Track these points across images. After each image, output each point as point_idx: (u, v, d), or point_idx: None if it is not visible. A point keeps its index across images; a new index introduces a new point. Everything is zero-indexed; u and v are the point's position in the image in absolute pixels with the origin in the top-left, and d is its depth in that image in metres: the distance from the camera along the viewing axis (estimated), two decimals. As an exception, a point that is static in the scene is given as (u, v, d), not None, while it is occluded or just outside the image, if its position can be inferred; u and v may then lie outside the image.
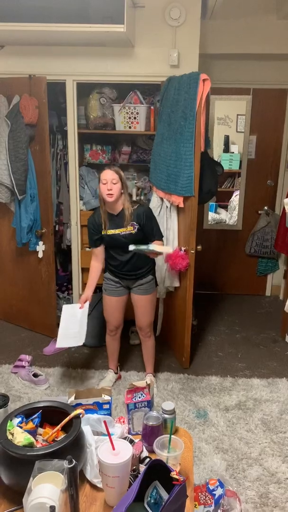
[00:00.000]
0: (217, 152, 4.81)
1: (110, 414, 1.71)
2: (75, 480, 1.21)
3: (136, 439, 1.61)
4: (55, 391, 3.20)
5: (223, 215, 5.03)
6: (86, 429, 1.54)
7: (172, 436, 1.50)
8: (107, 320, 3.20)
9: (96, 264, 3.07)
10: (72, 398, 1.71)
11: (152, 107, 3.82)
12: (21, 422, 1.48)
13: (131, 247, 2.68)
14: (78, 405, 1.67)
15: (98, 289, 3.35)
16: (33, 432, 1.46)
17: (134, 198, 3.96)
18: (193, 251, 3.23)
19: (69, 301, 4.42)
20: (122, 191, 2.81)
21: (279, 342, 3.97)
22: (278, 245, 4.21)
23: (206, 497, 2.08)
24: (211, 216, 4.93)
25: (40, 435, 1.51)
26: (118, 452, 1.36)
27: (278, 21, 3.93)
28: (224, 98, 4.55)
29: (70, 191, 3.99)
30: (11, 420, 1.47)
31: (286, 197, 3.76)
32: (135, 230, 2.85)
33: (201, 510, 2.03)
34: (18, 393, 3.17)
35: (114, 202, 2.81)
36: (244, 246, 4.89)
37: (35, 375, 3.25)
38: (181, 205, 3.23)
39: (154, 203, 3.51)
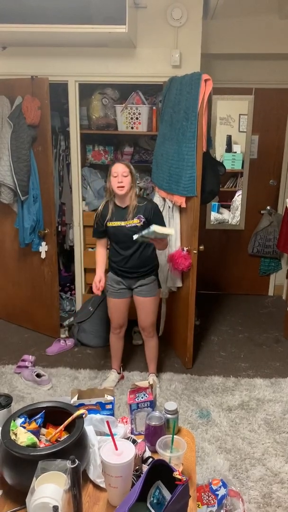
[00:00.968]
0: (219, 152, 4.81)
1: (113, 414, 1.71)
2: (78, 480, 1.21)
3: (139, 439, 1.61)
4: (58, 391, 3.20)
5: (225, 215, 5.03)
6: (89, 429, 1.54)
7: (174, 436, 1.50)
8: (111, 319, 3.20)
9: (101, 249, 3.11)
10: (75, 398, 1.71)
11: (154, 108, 3.82)
12: (24, 422, 1.49)
13: (135, 237, 2.73)
14: (81, 405, 1.67)
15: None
16: (36, 432, 1.47)
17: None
18: (195, 251, 3.23)
19: (72, 301, 4.43)
20: (131, 184, 2.85)
21: (282, 342, 3.96)
22: (281, 245, 4.20)
23: (209, 497, 2.08)
24: (214, 216, 4.93)
25: (43, 435, 1.51)
26: (121, 452, 1.37)
27: (280, 21, 3.93)
28: (226, 98, 4.55)
29: (73, 192, 4.00)
30: (14, 420, 1.47)
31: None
32: (141, 223, 2.86)
33: (204, 510, 2.03)
34: (21, 393, 3.18)
35: (124, 195, 2.84)
36: (246, 246, 4.89)
37: (38, 376, 3.26)
38: (184, 205, 3.23)
39: (157, 203, 3.51)
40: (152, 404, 1.71)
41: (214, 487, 2.11)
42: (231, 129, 4.81)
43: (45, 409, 1.55)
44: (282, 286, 4.95)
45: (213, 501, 2.06)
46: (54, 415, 1.55)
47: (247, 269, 4.96)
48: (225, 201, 4.99)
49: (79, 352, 3.76)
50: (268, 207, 4.74)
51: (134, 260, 2.95)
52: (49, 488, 1.23)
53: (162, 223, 2.97)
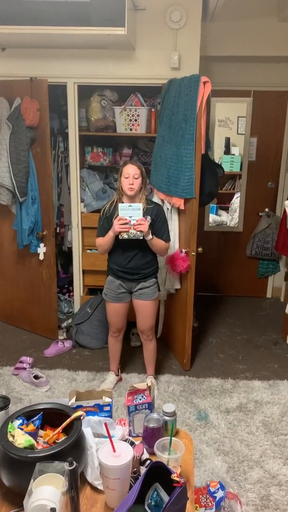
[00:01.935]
0: (217, 154, 4.82)
1: (111, 416, 1.71)
2: (76, 482, 1.21)
3: (137, 441, 1.61)
4: (56, 393, 3.19)
5: (224, 217, 5.04)
6: (86, 431, 1.54)
7: (172, 438, 1.50)
8: (110, 322, 3.20)
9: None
10: (73, 400, 1.71)
11: (153, 110, 3.83)
12: (22, 424, 1.48)
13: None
14: (79, 407, 1.67)
15: (99, 291, 3.35)
16: (34, 434, 1.47)
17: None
18: (194, 253, 3.23)
19: (70, 303, 4.42)
20: (142, 185, 2.86)
21: (280, 344, 3.96)
22: (279, 247, 4.21)
23: (207, 499, 2.08)
24: (212, 218, 4.93)
25: (41, 437, 1.51)
26: (119, 454, 1.36)
27: (278, 24, 3.94)
28: (225, 100, 4.56)
29: (71, 193, 4.00)
30: (12, 422, 1.47)
31: (287, 199, 3.76)
32: (148, 223, 2.86)
33: (202, 513, 2.03)
34: (19, 395, 3.17)
35: (133, 195, 2.86)
36: (245, 248, 4.89)
37: (36, 377, 3.26)
38: (182, 207, 3.23)
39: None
40: (150, 406, 1.71)
41: (212, 489, 2.11)
42: (230, 131, 4.82)
43: (43, 410, 1.55)
44: (280, 288, 4.95)
45: (211, 503, 2.06)
46: (52, 417, 1.55)
47: (245, 271, 4.97)
48: (224, 203, 5.00)
49: (77, 353, 3.76)
50: (267, 209, 4.75)
51: (137, 260, 2.95)
52: (47, 490, 1.23)
53: (166, 228, 3.00)
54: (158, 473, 1.28)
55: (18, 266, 3.97)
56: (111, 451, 1.38)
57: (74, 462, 1.20)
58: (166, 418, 1.63)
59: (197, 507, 2.04)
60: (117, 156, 4.19)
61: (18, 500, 1.31)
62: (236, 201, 4.89)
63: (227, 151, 4.85)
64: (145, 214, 2.87)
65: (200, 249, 3.28)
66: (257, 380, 3.38)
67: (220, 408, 3.05)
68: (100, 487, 1.41)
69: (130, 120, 3.79)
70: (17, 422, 1.48)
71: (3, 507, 1.35)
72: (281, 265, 4.91)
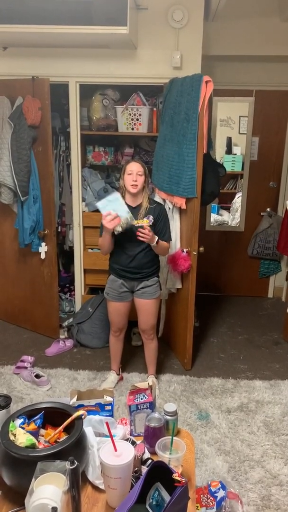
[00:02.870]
0: (219, 154, 4.81)
1: (112, 416, 1.71)
2: (77, 481, 1.21)
3: (138, 441, 1.61)
4: (57, 392, 3.20)
5: (225, 216, 5.03)
6: (88, 430, 1.54)
7: (174, 437, 1.50)
8: (111, 322, 3.20)
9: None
10: (74, 399, 1.71)
11: (154, 109, 3.82)
12: (23, 423, 1.48)
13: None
14: (80, 406, 1.67)
15: (100, 290, 3.35)
16: (35, 433, 1.46)
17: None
18: (195, 253, 3.23)
19: (71, 302, 4.42)
20: (144, 184, 2.87)
21: (281, 344, 3.96)
22: (281, 247, 4.20)
23: (208, 499, 2.08)
24: (214, 217, 4.93)
25: (42, 436, 1.51)
26: (120, 454, 1.36)
27: (280, 23, 3.93)
28: (227, 99, 4.55)
29: (73, 193, 4.00)
30: (13, 421, 1.47)
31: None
32: (150, 223, 2.86)
33: (203, 512, 2.02)
34: (20, 394, 3.17)
35: (136, 194, 2.86)
36: (246, 247, 4.89)
37: (37, 376, 3.26)
38: (184, 206, 3.23)
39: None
40: (152, 406, 1.71)
41: (213, 489, 2.11)
42: (232, 131, 4.81)
43: (44, 410, 1.55)
44: (282, 288, 4.95)
45: (212, 503, 2.06)
46: (53, 416, 1.54)
47: (246, 271, 4.96)
48: (225, 203, 4.99)
49: (78, 353, 3.76)
50: (268, 209, 4.74)
51: (139, 259, 2.94)
52: (48, 489, 1.23)
53: (168, 228, 3.00)
54: (159, 473, 1.27)
55: (19, 265, 3.97)
56: (112, 450, 1.38)
57: (75, 461, 1.20)
58: (167, 417, 1.63)
59: (198, 506, 2.04)
60: (119, 156, 4.19)
61: (20, 499, 1.31)
62: (238, 201, 4.88)
63: (229, 151, 4.85)
64: (147, 213, 2.87)
65: (201, 248, 3.28)
66: (258, 380, 3.38)
67: (221, 407, 3.05)
68: (101, 487, 1.41)
69: (132, 119, 3.78)
70: (19, 421, 1.48)
71: (5, 506, 1.35)
72: (282, 265, 4.90)
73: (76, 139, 3.83)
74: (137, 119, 3.77)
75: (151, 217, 2.86)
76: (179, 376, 3.42)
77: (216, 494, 2.09)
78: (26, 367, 3.37)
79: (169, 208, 3.43)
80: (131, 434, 1.70)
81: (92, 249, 4.03)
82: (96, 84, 3.77)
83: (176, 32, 3.49)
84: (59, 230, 4.36)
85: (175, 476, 1.22)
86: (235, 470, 2.49)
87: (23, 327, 4.12)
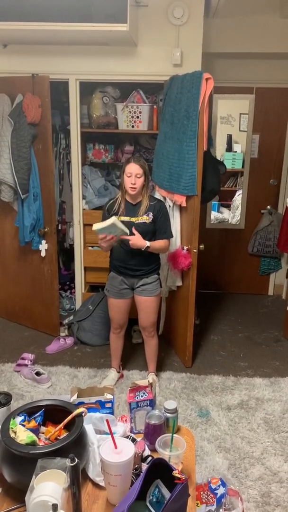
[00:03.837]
0: (220, 151, 4.80)
1: (112, 413, 1.71)
2: (78, 479, 1.21)
3: (138, 438, 1.61)
4: (58, 390, 3.20)
5: (225, 214, 5.03)
6: (88, 427, 1.54)
7: (174, 435, 1.50)
8: (112, 319, 3.20)
9: None
10: (75, 396, 1.71)
11: (155, 106, 3.82)
12: (23, 421, 1.49)
13: (94, 227, 2.73)
14: (80, 403, 1.67)
15: (101, 288, 3.35)
16: (35, 431, 1.47)
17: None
18: (195, 250, 3.23)
19: (72, 300, 4.43)
20: (144, 183, 2.86)
21: (281, 341, 3.96)
22: (281, 244, 4.20)
23: (208, 496, 2.08)
24: (214, 215, 4.93)
25: (43, 433, 1.51)
26: (120, 451, 1.37)
27: (281, 20, 3.92)
28: (227, 97, 4.54)
29: (73, 190, 3.99)
30: (13, 419, 1.47)
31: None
32: (150, 220, 2.88)
33: (203, 509, 2.03)
34: (20, 391, 3.18)
35: (135, 194, 2.87)
36: (246, 245, 4.89)
37: (38, 374, 3.26)
38: (184, 204, 3.23)
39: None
40: (152, 403, 1.71)
41: (213, 486, 2.12)
42: (232, 128, 4.80)
43: (44, 407, 1.55)
44: (282, 285, 4.95)
45: (212, 500, 2.06)
46: (53, 413, 1.55)
47: (247, 269, 4.96)
48: (226, 200, 4.99)
49: (78, 350, 3.76)
50: (269, 207, 4.74)
51: (139, 257, 2.94)
52: (49, 486, 1.23)
53: (168, 225, 3.00)
54: (160, 470, 1.28)
55: (20, 263, 3.97)
56: (112, 447, 1.38)
57: (75, 458, 1.21)
58: (168, 415, 1.63)
59: (198, 503, 2.04)
60: (119, 153, 4.18)
61: (20, 496, 1.32)
62: (238, 198, 4.88)
63: (229, 148, 4.84)
64: (147, 211, 2.88)
65: (201, 246, 3.28)
66: (258, 377, 3.38)
67: (221, 405, 3.05)
68: (102, 484, 1.42)
69: (132, 117, 3.78)
70: (19, 418, 1.49)
71: (5, 503, 1.36)
72: (283, 263, 4.90)
73: (76, 137, 3.82)
74: (137, 117, 3.77)
75: (151, 214, 2.87)
76: (180, 373, 3.42)
77: (216, 491, 2.09)
78: (26, 365, 3.38)
79: (170, 206, 3.43)
80: (131, 432, 1.70)
81: (92, 246, 4.03)
82: (96, 81, 3.76)
83: (177, 29, 3.48)
84: (59, 228, 4.36)
85: (175, 473, 1.22)
86: (235, 467, 2.49)
87: (23, 325, 4.13)
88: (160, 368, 3.45)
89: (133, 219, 2.88)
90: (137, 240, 2.82)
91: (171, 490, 1.22)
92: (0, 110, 3.52)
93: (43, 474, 1.26)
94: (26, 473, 1.29)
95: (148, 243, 2.85)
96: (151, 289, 3.02)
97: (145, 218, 2.88)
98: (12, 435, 1.41)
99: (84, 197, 4.02)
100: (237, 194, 4.92)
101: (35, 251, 3.76)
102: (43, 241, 3.70)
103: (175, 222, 3.41)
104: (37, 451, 1.34)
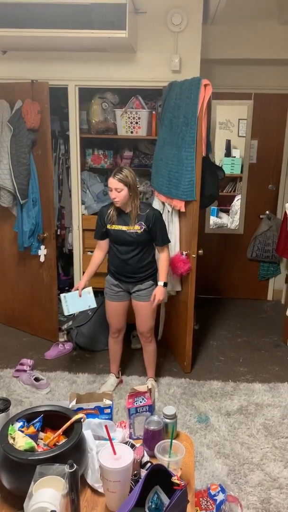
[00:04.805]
0: (218, 157, 4.83)
1: (111, 419, 1.71)
2: (76, 485, 1.21)
3: (137, 444, 1.60)
4: (56, 396, 3.19)
5: (224, 219, 5.04)
6: (87, 433, 1.54)
7: (173, 440, 1.50)
8: (110, 323, 3.20)
9: (98, 253, 3.10)
10: (74, 402, 1.71)
11: (154, 112, 3.83)
12: (22, 427, 1.48)
13: (65, 313, 3.17)
14: (79, 409, 1.66)
15: (100, 293, 3.35)
16: (34, 437, 1.46)
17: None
18: (194, 256, 3.23)
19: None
20: (130, 194, 2.84)
21: (280, 347, 3.96)
22: (280, 250, 4.21)
23: (207, 502, 2.07)
24: (213, 220, 4.94)
25: (41, 439, 1.51)
26: (119, 457, 1.36)
27: (279, 27, 3.95)
28: (226, 103, 4.57)
29: (72, 196, 4.00)
30: (12, 424, 1.47)
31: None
32: (142, 230, 2.88)
33: (202, 516, 2.02)
34: (19, 397, 3.17)
35: (121, 206, 2.88)
36: (245, 250, 4.89)
37: (37, 379, 3.25)
38: (183, 209, 3.23)
39: (156, 208, 3.52)
40: (151, 409, 1.71)
41: (213, 492, 2.11)
42: (231, 134, 4.83)
43: (43, 413, 1.55)
44: (281, 290, 4.95)
45: (212, 506, 2.05)
46: (52, 419, 1.54)
47: (246, 274, 4.97)
48: (224, 206, 5.01)
49: (77, 356, 3.75)
50: (267, 212, 4.75)
51: (133, 264, 2.95)
52: (47, 492, 1.23)
53: (163, 231, 2.99)
54: (159, 476, 1.27)
55: (18, 268, 3.97)
56: (111, 453, 1.38)
57: (74, 464, 1.20)
58: (167, 420, 1.63)
59: (197, 510, 2.03)
60: (118, 159, 4.19)
61: (19, 503, 1.31)
62: (237, 204, 4.89)
63: (228, 154, 4.86)
64: (139, 220, 2.88)
65: (200, 251, 3.29)
66: (257, 382, 3.38)
67: (220, 410, 3.05)
68: (101, 490, 1.41)
69: (131, 122, 3.79)
70: (18, 424, 1.48)
71: (3, 510, 1.35)
72: (281, 268, 4.90)
73: (76, 142, 3.83)
74: (136, 122, 3.78)
75: (142, 224, 2.88)
76: (179, 379, 3.41)
77: (215, 497, 2.08)
78: (25, 370, 3.37)
79: (169, 211, 3.43)
80: (130, 437, 1.69)
81: (91, 251, 4.02)
82: (95, 87, 3.78)
83: (175, 36, 3.51)
84: (58, 233, 4.36)
85: (174, 479, 1.22)
86: (234, 473, 2.48)
87: (22, 330, 4.12)
88: (159, 373, 3.44)
89: (124, 228, 2.89)
90: (160, 295, 2.96)
91: (170, 497, 1.21)
92: (0, 116, 3.53)
93: (42, 480, 1.26)
94: (24, 479, 1.28)
95: (162, 282, 2.97)
96: (146, 295, 3.02)
97: (137, 228, 2.88)
98: (11, 441, 1.40)
99: (83, 202, 4.03)
100: (236, 199, 4.94)
101: (34, 256, 3.77)
102: (42, 247, 3.70)
103: (174, 227, 3.41)
104: (36, 457, 1.33)
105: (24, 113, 3.42)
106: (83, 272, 4.09)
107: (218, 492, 2.11)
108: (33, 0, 3.03)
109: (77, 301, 3.11)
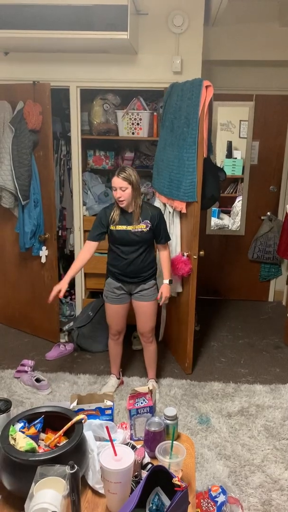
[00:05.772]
0: (219, 158, 4.82)
1: (112, 420, 1.71)
2: (77, 486, 1.21)
3: (138, 445, 1.60)
4: (57, 396, 3.19)
5: (225, 220, 5.04)
6: (88, 434, 1.53)
7: (174, 442, 1.50)
8: (110, 325, 3.20)
9: (86, 255, 2.98)
10: (74, 403, 1.71)
11: (155, 113, 3.84)
12: (23, 427, 1.48)
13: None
14: (80, 410, 1.66)
15: (101, 294, 3.35)
16: (35, 438, 1.46)
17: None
18: (195, 257, 3.23)
19: (72, 306, 4.42)
20: (134, 193, 2.83)
21: (282, 348, 3.96)
22: (281, 251, 4.20)
23: (208, 503, 2.07)
24: (214, 221, 4.93)
25: (42, 440, 1.51)
26: (120, 458, 1.36)
27: (280, 28, 3.95)
28: (227, 104, 4.57)
29: (73, 197, 4.01)
30: (13, 425, 1.47)
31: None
32: (147, 228, 2.89)
33: (203, 517, 2.02)
34: (20, 398, 3.17)
35: (125, 207, 2.87)
36: (247, 251, 4.89)
37: (38, 380, 3.25)
38: (184, 210, 3.23)
39: (160, 209, 3.52)
40: (152, 410, 1.71)
41: (214, 494, 2.10)
42: (232, 135, 4.82)
43: (44, 414, 1.55)
44: (282, 292, 4.95)
45: (212, 507, 2.05)
46: (53, 420, 1.54)
47: (247, 275, 4.96)
48: (226, 207, 5.00)
49: (78, 357, 3.75)
50: (269, 213, 4.75)
51: (137, 264, 2.95)
52: (48, 493, 1.23)
53: (166, 229, 3.02)
54: (160, 477, 1.27)
55: (20, 269, 3.98)
56: (112, 454, 1.37)
57: (75, 465, 1.20)
58: (168, 422, 1.63)
59: (198, 511, 2.03)
60: (119, 160, 4.20)
61: (19, 504, 1.31)
62: (238, 205, 4.89)
63: (229, 155, 4.86)
64: (144, 218, 2.89)
65: (202, 252, 3.28)
66: (258, 384, 3.37)
67: (221, 412, 3.04)
68: (101, 491, 1.41)
69: (133, 123, 3.80)
70: (19, 425, 1.48)
71: (4, 511, 1.35)
72: (283, 269, 4.90)
73: (77, 144, 3.84)
74: (138, 124, 3.79)
75: (148, 222, 2.88)
76: (180, 380, 3.41)
77: (216, 499, 2.08)
78: (26, 371, 3.37)
79: (170, 212, 3.43)
80: (131, 439, 1.69)
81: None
82: (97, 88, 3.79)
83: (176, 37, 3.51)
84: (59, 234, 4.36)
85: (175, 481, 1.22)
86: (235, 475, 2.48)
87: (23, 331, 4.12)
88: (160, 374, 3.44)
89: (129, 228, 2.88)
90: (167, 293, 3.04)
91: (171, 498, 1.21)
92: (1, 117, 3.54)
93: (43, 481, 1.26)
94: (25, 480, 1.28)
95: (167, 280, 3.05)
96: (149, 295, 3.02)
97: (143, 227, 2.88)
98: (12, 442, 1.40)
99: (84, 204, 4.03)
100: (237, 200, 4.93)
101: (35, 257, 3.77)
102: (44, 247, 3.71)
103: (175, 228, 3.42)
104: (37, 458, 1.33)
105: (25, 114, 3.43)
106: (84, 273, 4.13)
107: (219, 493, 2.11)
108: (35, 1, 3.05)
109: None
